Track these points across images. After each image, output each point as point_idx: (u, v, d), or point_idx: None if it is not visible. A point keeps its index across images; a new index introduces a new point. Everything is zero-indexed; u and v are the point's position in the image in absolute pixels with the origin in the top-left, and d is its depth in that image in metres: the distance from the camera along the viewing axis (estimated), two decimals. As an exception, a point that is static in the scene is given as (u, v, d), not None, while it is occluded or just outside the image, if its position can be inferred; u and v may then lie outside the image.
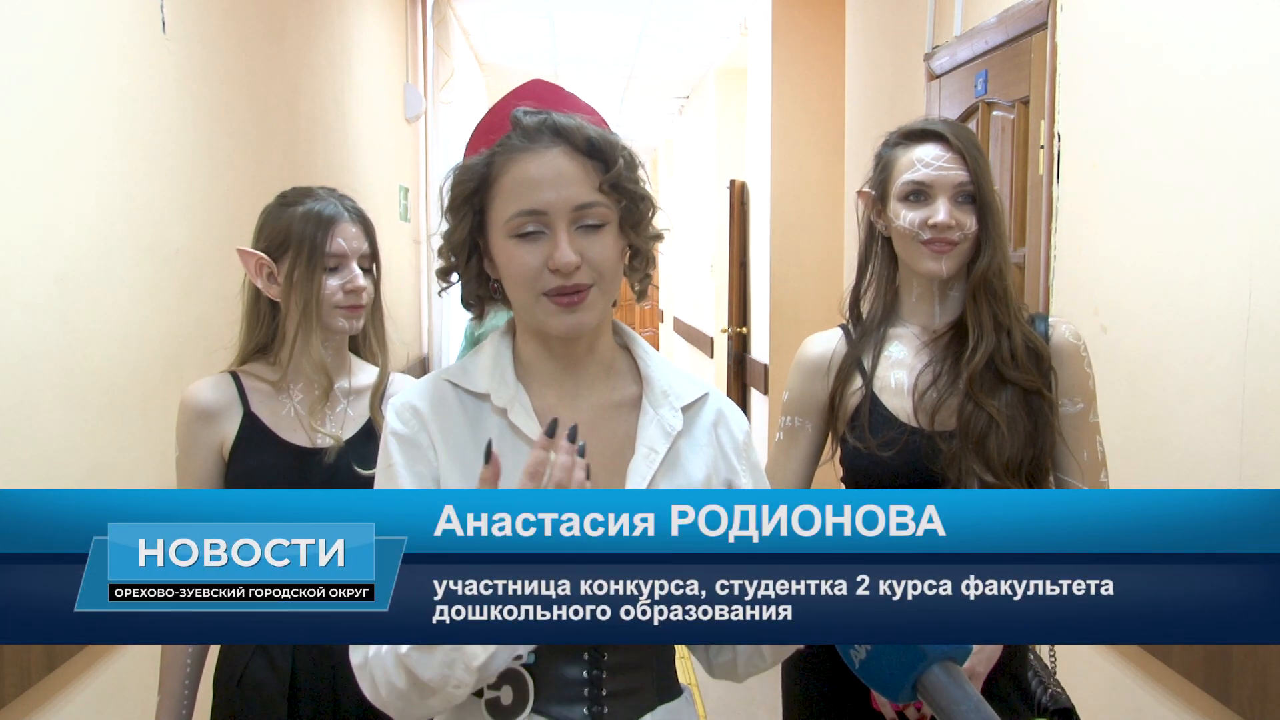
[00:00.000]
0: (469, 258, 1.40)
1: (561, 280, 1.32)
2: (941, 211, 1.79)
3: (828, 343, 1.94)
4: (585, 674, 1.36)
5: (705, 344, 9.35)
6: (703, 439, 1.44)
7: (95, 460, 2.30)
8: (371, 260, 1.96)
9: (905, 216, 1.82)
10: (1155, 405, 2.27)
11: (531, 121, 1.35)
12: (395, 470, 1.37)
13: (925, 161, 1.81)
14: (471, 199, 1.37)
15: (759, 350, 6.59)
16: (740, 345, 7.24)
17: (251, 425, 1.91)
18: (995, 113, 3.22)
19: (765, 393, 6.28)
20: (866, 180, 1.93)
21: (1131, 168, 2.40)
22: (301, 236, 1.89)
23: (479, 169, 1.36)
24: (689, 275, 10.86)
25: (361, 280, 1.91)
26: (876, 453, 1.81)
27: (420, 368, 6.19)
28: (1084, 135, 2.64)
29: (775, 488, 1.95)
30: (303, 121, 4.02)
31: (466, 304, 1.45)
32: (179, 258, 2.77)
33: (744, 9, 6.98)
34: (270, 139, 3.62)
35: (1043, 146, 2.84)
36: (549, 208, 1.32)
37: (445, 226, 1.41)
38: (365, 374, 2.00)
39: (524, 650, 1.30)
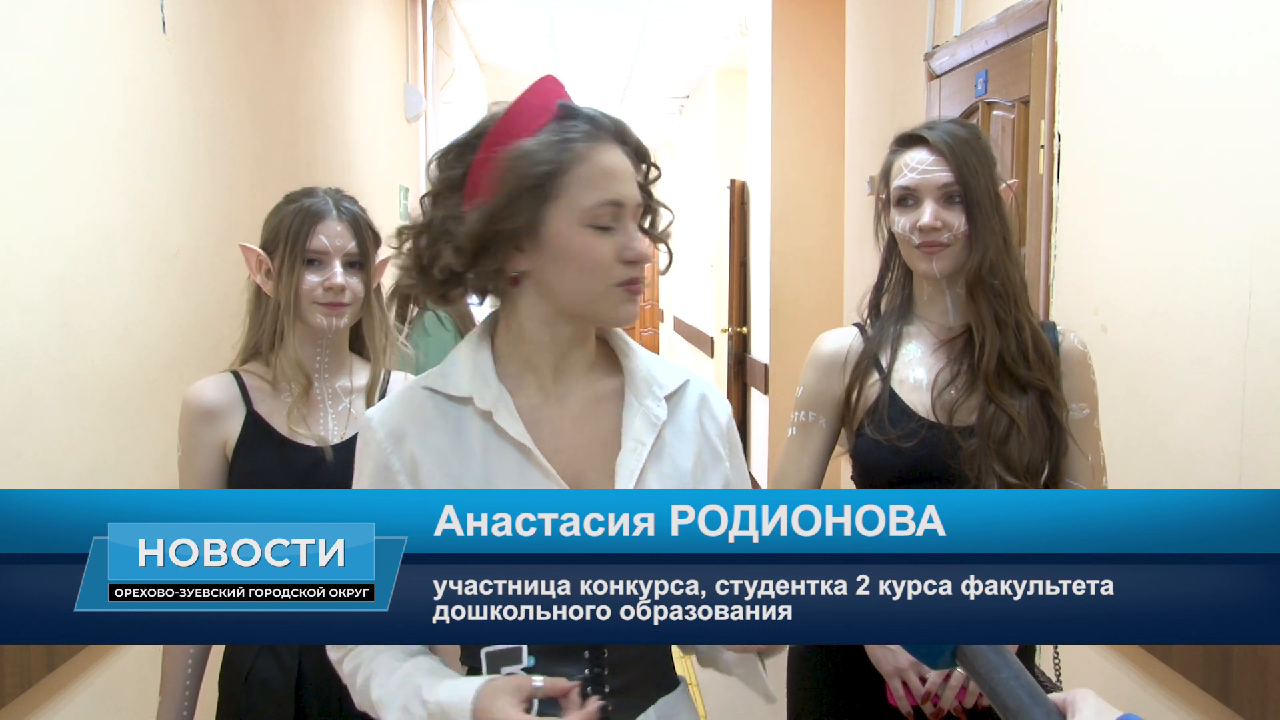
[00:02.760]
0: (501, 247, 1.33)
1: (634, 273, 1.34)
2: (927, 214, 1.82)
3: (843, 339, 1.96)
4: (587, 672, 1.36)
5: (705, 344, 9.35)
6: (688, 425, 1.45)
7: (95, 460, 2.30)
8: (362, 260, 1.93)
9: (899, 221, 1.87)
10: (1155, 405, 2.26)
11: (594, 114, 1.35)
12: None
13: (911, 166, 1.85)
14: (543, 183, 1.31)
15: (759, 350, 6.58)
16: (740, 345, 7.24)
17: (255, 424, 1.91)
18: (995, 113, 3.22)
19: (766, 392, 6.28)
20: (876, 186, 1.96)
21: (1131, 168, 2.40)
22: (286, 232, 1.90)
23: (549, 154, 1.30)
24: (689, 275, 10.86)
25: (340, 278, 1.89)
26: (896, 444, 1.82)
27: (421, 367, 6.18)
28: (1084, 135, 2.64)
29: (788, 483, 1.97)
30: (303, 121, 4.02)
31: (480, 295, 1.41)
32: (179, 258, 2.76)
33: (744, 9, 6.98)
34: (270, 139, 3.62)
35: (1043, 146, 2.84)
36: (627, 200, 1.34)
37: (486, 211, 1.31)
38: (368, 373, 2.00)
39: (523, 649, 1.31)
